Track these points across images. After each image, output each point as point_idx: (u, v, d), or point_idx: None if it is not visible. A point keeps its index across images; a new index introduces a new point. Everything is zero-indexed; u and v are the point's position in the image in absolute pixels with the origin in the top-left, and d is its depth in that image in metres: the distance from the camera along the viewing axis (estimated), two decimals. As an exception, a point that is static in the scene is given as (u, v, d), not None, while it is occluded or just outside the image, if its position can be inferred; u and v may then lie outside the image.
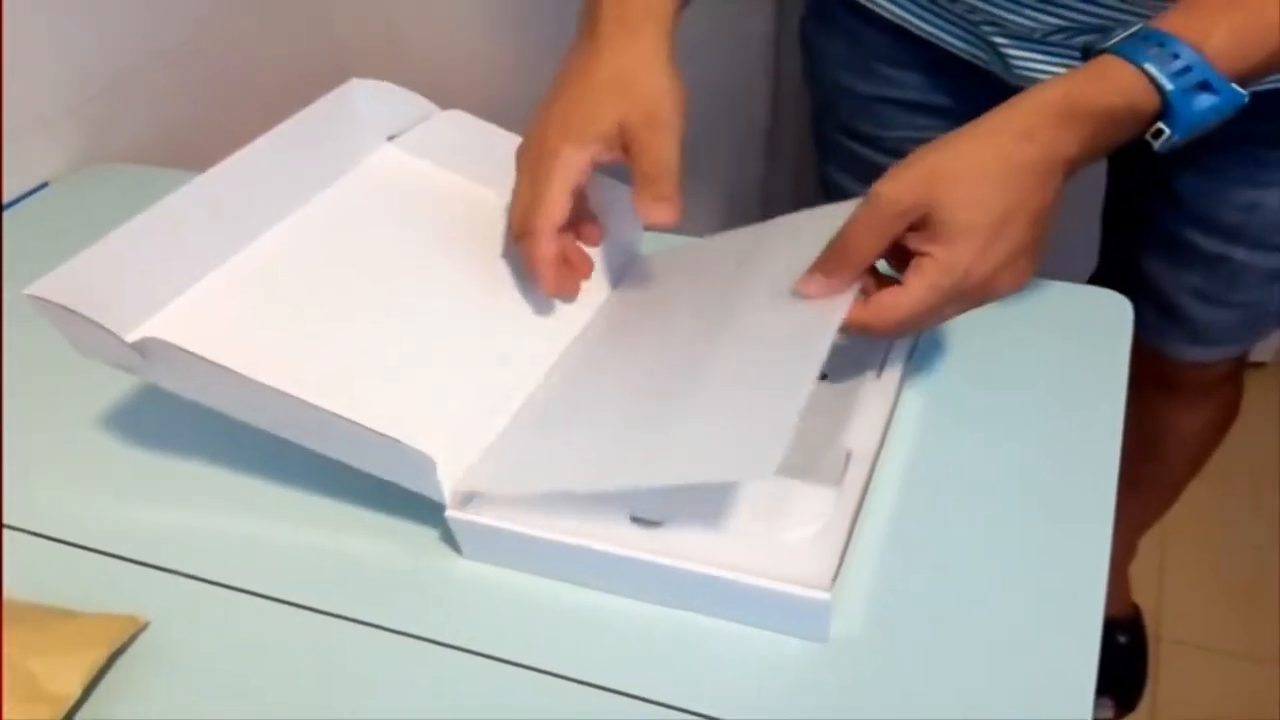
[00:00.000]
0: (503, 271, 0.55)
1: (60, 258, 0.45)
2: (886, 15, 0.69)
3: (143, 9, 0.81)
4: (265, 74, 0.89)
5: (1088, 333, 0.56)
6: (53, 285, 0.44)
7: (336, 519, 0.49)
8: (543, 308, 0.54)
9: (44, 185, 0.77)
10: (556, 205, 0.50)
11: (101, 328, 0.43)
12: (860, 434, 0.48)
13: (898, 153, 0.74)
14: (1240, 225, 0.67)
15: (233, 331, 0.47)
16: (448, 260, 0.55)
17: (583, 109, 0.50)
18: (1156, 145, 0.46)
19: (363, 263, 0.53)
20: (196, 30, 0.86)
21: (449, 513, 0.44)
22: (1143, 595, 1.19)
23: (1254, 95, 0.47)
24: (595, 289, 0.57)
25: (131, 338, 0.44)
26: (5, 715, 0.39)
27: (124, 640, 0.43)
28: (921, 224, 0.46)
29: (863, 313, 0.46)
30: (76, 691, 0.41)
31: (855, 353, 0.52)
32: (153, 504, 0.51)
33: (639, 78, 0.51)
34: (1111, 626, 1.14)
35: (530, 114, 0.53)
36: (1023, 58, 0.64)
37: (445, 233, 0.56)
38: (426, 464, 0.43)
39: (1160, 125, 0.45)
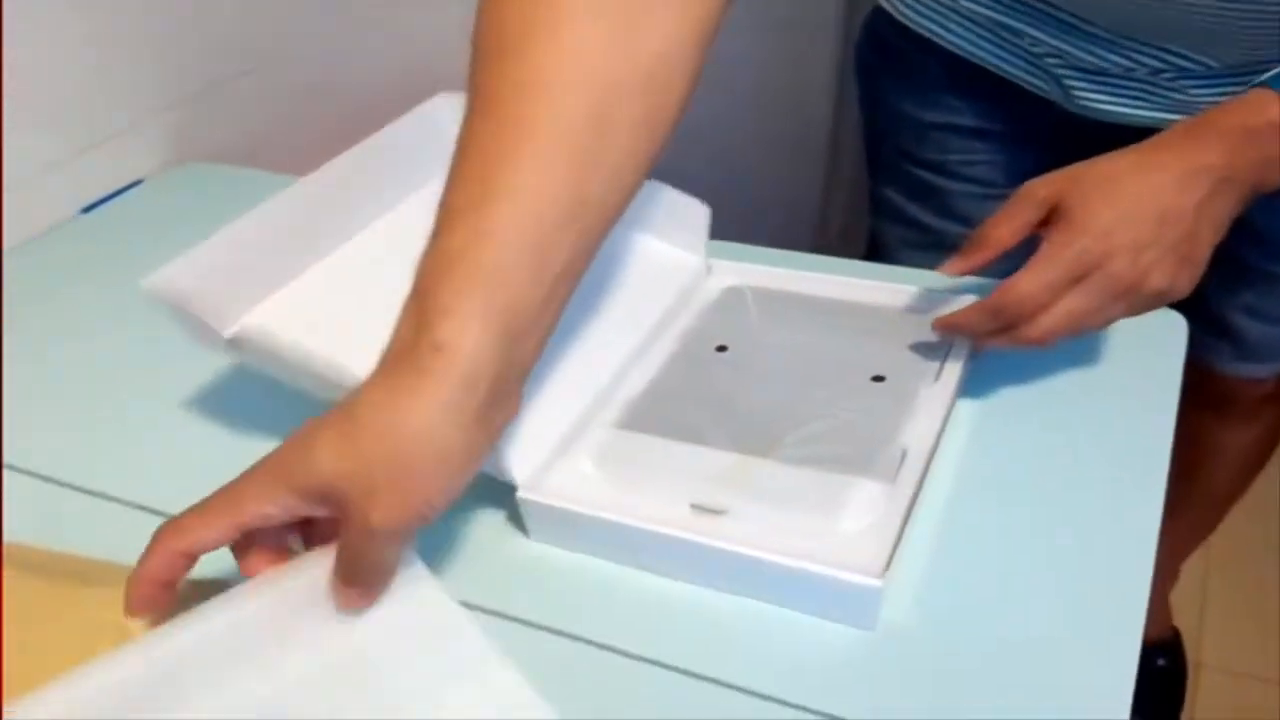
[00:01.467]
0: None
1: (150, 251, 0.48)
2: (946, 46, 0.70)
3: (237, 16, 0.85)
4: (350, 82, 0.92)
5: (1142, 348, 0.58)
6: (165, 279, 0.47)
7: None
8: (613, 307, 0.56)
9: (138, 182, 0.80)
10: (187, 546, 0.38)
11: (204, 323, 0.47)
12: (916, 434, 0.49)
13: (958, 176, 0.77)
14: None
15: (322, 324, 0.50)
16: None
17: (307, 444, 0.37)
18: None
19: None
20: (287, 39, 0.89)
21: (520, 494, 0.47)
22: (1184, 620, 1.18)
23: None
24: (659, 292, 0.59)
25: (232, 330, 0.48)
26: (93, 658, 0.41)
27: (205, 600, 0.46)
28: (1054, 217, 0.50)
29: (992, 297, 0.50)
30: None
31: (915, 357, 0.54)
32: (233, 472, 0.52)
33: (387, 433, 0.36)
34: (1151, 650, 1.14)
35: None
36: (1086, 89, 0.65)
37: None
38: (498, 448, 0.45)
39: None
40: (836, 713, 0.41)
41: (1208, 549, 1.28)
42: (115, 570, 0.46)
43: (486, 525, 0.49)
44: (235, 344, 0.48)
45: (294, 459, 0.38)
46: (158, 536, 0.39)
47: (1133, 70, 0.62)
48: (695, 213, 0.59)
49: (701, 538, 0.44)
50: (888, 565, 0.42)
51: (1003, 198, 0.75)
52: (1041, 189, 0.51)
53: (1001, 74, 0.69)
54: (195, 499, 0.50)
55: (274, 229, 0.51)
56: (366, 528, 0.36)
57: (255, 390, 0.58)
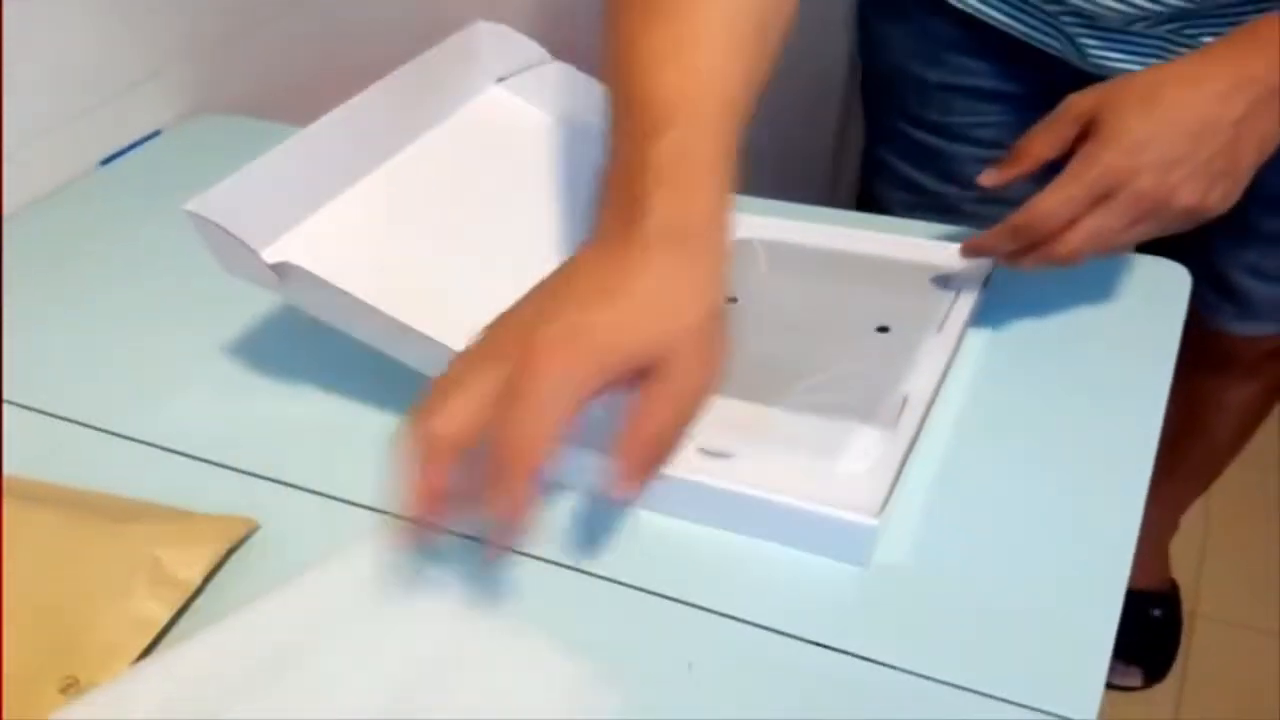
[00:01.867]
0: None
1: (169, 203, 0.49)
2: (958, 5, 0.69)
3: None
4: (373, 30, 0.91)
5: (1145, 298, 0.58)
6: (206, 204, 0.48)
7: None
8: None
9: (156, 133, 0.80)
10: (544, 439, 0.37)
11: (246, 247, 0.48)
12: (918, 382, 0.51)
13: (962, 138, 0.76)
14: None
15: (354, 256, 0.51)
16: (542, 200, 0.58)
17: (606, 326, 0.38)
18: None
19: (467, 196, 0.58)
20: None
21: None
22: (1182, 572, 1.20)
23: None
24: None
25: (269, 255, 0.49)
26: (137, 595, 0.43)
27: (240, 539, 0.47)
28: (1089, 130, 0.48)
29: (1016, 215, 0.49)
30: (198, 579, 0.45)
31: (920, 308, 0.56)
32: (262, 423, 0.55)
33: (677, 298, 0.39)
34: (1147, 599, 1.16)
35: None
36: (1100, 46, 0.64)
37: (542, 173, 0.59)
38: None
39: None
40: (829, 642, 0.42)
41: (1207, 501, 1.29)
42: (150, 509, 0.48)
43: None
44: (270, 275, 0.49)
45: (602, 344, 0.37)
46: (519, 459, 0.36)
47: (1147, 14, 0.61)
48: None
49: (707, 478, 0.46)
50: (883, 505, 0.44)
51: None
52: (1082, 101, 0.50)
53: (1013, 33, 0.68)
54: (215, 442, 0.53)
55: (312, 155, 0.52)
56: (694, 388, 0.38)
57: (276, 340, 0.60)
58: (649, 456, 0.38)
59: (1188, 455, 0.94)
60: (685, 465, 0.46)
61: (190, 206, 0.48)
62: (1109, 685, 1.11)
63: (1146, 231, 0.50)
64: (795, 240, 0.61)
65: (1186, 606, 1.19)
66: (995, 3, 0.68)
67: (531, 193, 0.59)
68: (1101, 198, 0.48)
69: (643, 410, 0.38)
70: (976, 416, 0.52)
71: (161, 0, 0.78)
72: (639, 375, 0.38)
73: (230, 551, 0.47)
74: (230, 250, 0.49)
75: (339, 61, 0.88)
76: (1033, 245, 0.51)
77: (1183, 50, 0.62)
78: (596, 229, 0.42)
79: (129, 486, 0.50)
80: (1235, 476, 1.30)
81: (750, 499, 0.45)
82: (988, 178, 0.53)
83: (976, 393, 0.53)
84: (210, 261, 0.51)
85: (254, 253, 0.48)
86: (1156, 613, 1.16)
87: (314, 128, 0.53)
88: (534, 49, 0.62)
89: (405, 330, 0.47)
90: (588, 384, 0.37)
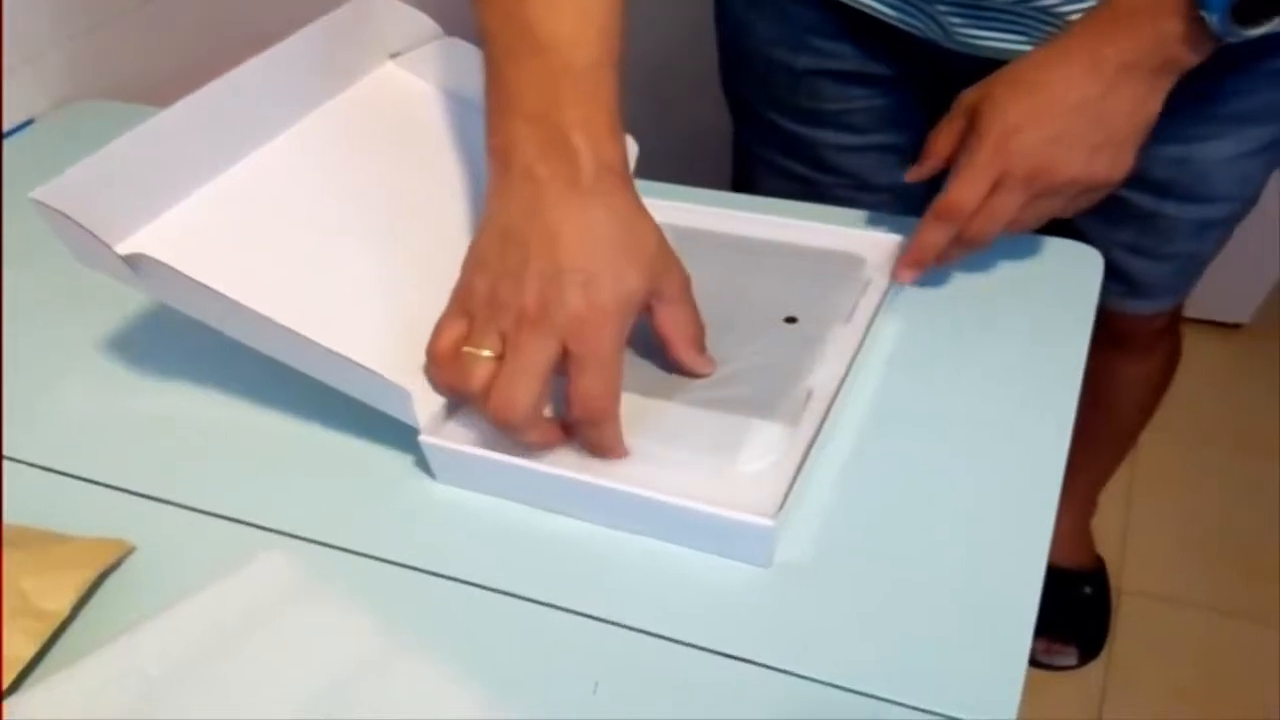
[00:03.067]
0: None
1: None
2: None
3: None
4: (252, 12, 0.87)
5: (1057, 282, 0.58)
6: (54, 192, 0.44)
7: (319, 447, 0.50)
8: None
9: (29, 122, 0.76)
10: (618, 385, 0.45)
11: (95, 237, 0.45)
12: (823, 375, 0.49)
13: (834, 124, 0.75)
14: (1170, 181, 0.69)
15: (223, 246, 0.48)
16: (437, 183, 0.56)
17: (614, 272, 0.44)
18: (1216, 29, 0.50)
19: (354, 181, 0.55)
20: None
21: (422, 438, 0.46)
22: (1107, 549, 1.22)
23: None
24: None
25: (124, 248, 0.46)
26: (-1, 629, 0.41)
27: (112, 563, 0.45)
28: (972, 122, 0.53)
29: (936, 204, 0.53)
30: (66, 609, 0.42)
31: (828, 298, 0.54)
32: (139, 432, 0.52)
33: (643, 232, 0.46)
34: (1077, 578, 1.17)
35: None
36: (965, 24, 0.64)
37: (437, 155, 0.57)
38: (401, 394, 0.45)
39: (1202, 14, 0.49)
40: (728, 650, 0.41)
41: (1131, 476, 1.32)
42: (12, 534, 0.45)
43: (398, 467, 0.49)
44: (123, 267, 0.46)
45: (634, 294, 0.45)
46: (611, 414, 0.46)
47: None
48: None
49: (597, 479, 0.44)
50: (782, 504, 0.43)
51: (878, 147, 0.76)
52: (966, 97, 0.54)
53: (876, 15, 0.67)
54: (86, 455, 0.50)
55: (173, 139, 0.49)
56: (687, 291, 0.48)
57: (151, 342, 0.57)
58: (700, 345, 0.49)
59: (1096, 434, 0.95)
60: (582, 466, 0.45)
61: (37, 194, 0.44)
62: (1046, 666, 1.13)
63: (1051, 207, 0.54)
64: (704, 227, 0.59)
65: (1113, 583, 1.21)
66: None
67: (426, 173, 0.56)
68: (996, 180, 0.52)
69: (670, 324, 0.48)
70: (888, 407, 0.51)
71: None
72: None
73: (103, 577, 0.45)
74: (82, 242, 0.46)
75: (224, 42, 0.85)
76: (956, 237, 0.54)
77: (1048, 26, 0.62)
78: (518, 176, 0.45)
79: (-4, 507, 0.47)
80: (1158, 451, 1.33)
81: (642, 500, 0.43)
82: (911, 174, 0.57)
83: (888, 382, 0.52)
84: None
85: (105, 245, 0.45)
86: (1087, 590, 1.18)
87: (180, 106, 0.49)
88: (425, 23, 0.59)
89: (266, 323, 0.44)
90: (627, 333, 0.45)
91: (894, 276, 0.55)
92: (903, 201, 0.63)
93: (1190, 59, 0.52)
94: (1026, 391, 0.51)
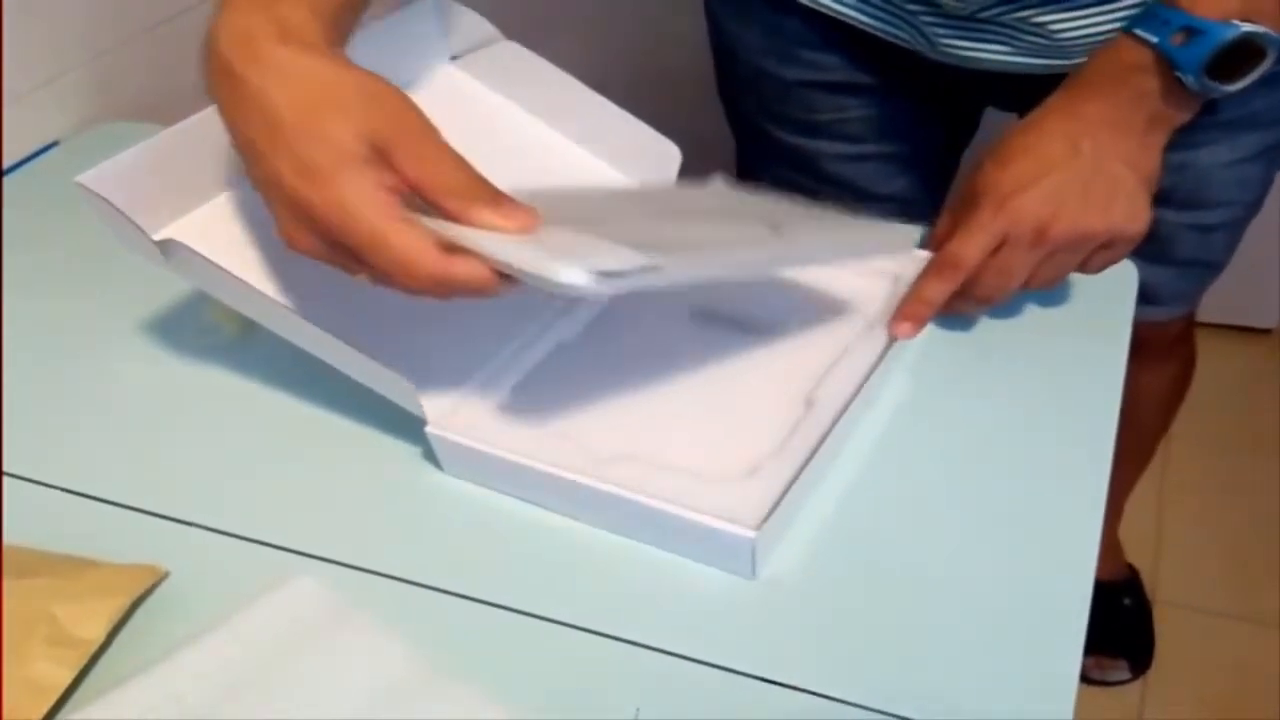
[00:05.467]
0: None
1: (69, 216, 0.46)
2: (804, 1, 0.68)
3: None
4: None
5: (1091, 296, 0.57)
6: (97, 178, 0.46)
7: (338, 459, 0.51)
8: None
9: (54, 144, 0.76)
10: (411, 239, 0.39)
11: (133, 223, 0.46)
12: (831, 383, 0.49)
13: (829, 134, 0.75)
14: (1170, 187, 0.67)
15: (255, 236, 0.49)
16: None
17: (310, 135, 0.40)
18: (1193, 87, 0.52)
19: None
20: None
21: (429, 429, 0.47)
22: (1140, 559, 1.20)
23: None
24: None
25: (162, 235, 0.47)
26: (33, 657, 0.40)
27: (145, 589, 0.44)
28: (974, 202, 0.53)
29: (938, 256, 0.53)
30: (101, 636, 0.42)
31: (850, 304, 0.54)
32: (164, 455, 0.52)
33: (338, 83, 0.41)
34: (1114, 590, 1.16)
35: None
36: (949, 35, 0.64)
37: (493, 157, 0.56)
38: (406, 386, 0.46)
39: (1178, 74, 0.51)
40: (709, 659, 0.41)
41: (1161, 486, 1.30)
42: (45, 560, 0.45)
43: (413, 462, 0.50)
44: (157, 254, 0.47)
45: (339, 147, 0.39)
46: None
47: (995, 5, 0.61)
48: (666, 153, 0.57)
49: (581, 478, 0.44)
50: (768, 515, 0.42)
51: (876, 156, 0.76)
52: (962, 187, 0.55)
53: (862, 27, 0.67)
54: (118, 481, 0.50)
55: (214, 138, 0.48)
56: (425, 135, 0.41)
57: (183, 364, 0.56)
58: (469, 194, 0.40)
59: (1117, 444, 0.95)
60: (585, 470, 0.45)
61: (82, 179, 0.46)
62: (1100, 682, 1.12)
63: (1068, 262, 0.53)
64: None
65: (1148, 594, 1.19)
66: None
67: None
68: (1001, 239, 0.52)
69: (415, 174, 0.40)
70: (907, 423, 0.50)
71: (53, 7, 0.75)
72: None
73: (136, 604, 0.44)
74: (120, 226, 0.47)
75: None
76: (969, 294, 0.53)
77: (1030, 36, 0.62)
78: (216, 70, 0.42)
79: (21, 533, 0.47)
80: (1188, 458, 1.31)
81: (628, 502, 0.44)
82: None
83: (909, 397, 0.52)
84: (113, 276, 0.49)
85: (140, 230, 0.46)
86: (1127, 601, 1.16)
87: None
88: (485, 26, 0.59)
89: (282, 309, 0.46)
90: (373, 179, 0.40)
91: (890, 330, 0.52)
92: (907, 211, 0.62)
93: (1177, 115, 0.53)
94: (1063, 406, 0.51)
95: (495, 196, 0.41)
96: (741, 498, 0.44)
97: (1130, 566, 1.19)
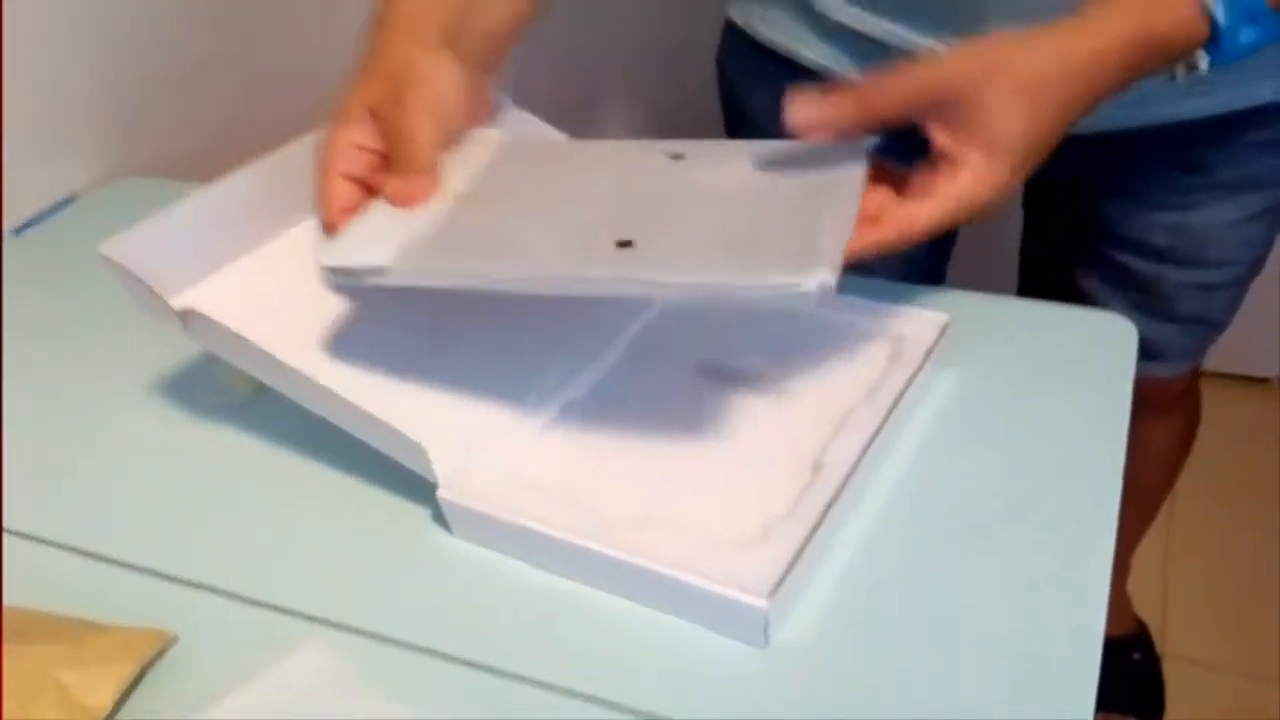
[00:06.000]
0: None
1: (85, 271, 0.47)
2: (813, 66, 0.68)
3: (167, 21, 0.82)
4: (291, 86, 0.89)
5: (1091, 356, 0.57)
6: (117, 247, 0.48)
7: (348, 521, 0.51)
8: (579, 309, 0.55)
9: (70, 200, 0.77)
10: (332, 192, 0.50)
11: (154, 292, 0.48)
12: (837, 447, 0.49)
13: None
14: (1168, 247, 0.69)
15: (270, 303, 0.50)
16: None
17: (347, 91, 0.51)
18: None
19: None
20: (222, 43, 0.86)
21: (440, 493, 0.47)
22: (1147, 612, 1.20)
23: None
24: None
25: (180, 302, 0.48)
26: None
27: (154, 654, 0.44)
28: (959, 120, 0.43)
29: (876, 234, 0.44)
30: (109, 705, 0.42)
31: (850, 370, 0.54)
32: (177, 510, 0.52)
33: (382, 57, 0.51)
34: (1123, 645, 1.15)
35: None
36: None
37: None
38: (419, 450, 0.46)
39: (1200, 54, 0.45)
40: None
41: (1167, 539, 1.30)
42: (50, 623, 0.45)
43: (416, 519, 0.50)
44: (182, 317, 0.48)
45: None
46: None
47: None
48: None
49: (589, 543, 0.44)
50: (779, 583, 0.42)
51: None
52: (960, 70, 0.44)
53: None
54: (123, 537, 0.50)
55: (234, 203, 0.51)
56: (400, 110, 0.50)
57: (193, 418, 0.57)
58: (410, 164, 0.50)
59: (1122, 498, 0.95)
60: (596, 536, 0.45)
61: (103, 249, 0.48)
62: None
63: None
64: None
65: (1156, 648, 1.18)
66: (852, 63, 0.67)
67: None
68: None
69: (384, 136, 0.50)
70: (913, 484, 0.50)
71: (70, 63, 0.76)
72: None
73: (145, 669, 0.44)
74: (142, 294, 0.48)
75: (258, 119, 0.86)
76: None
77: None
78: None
79: (24, 593, 0.46)
80: (1192, 509, 1.31)
81: (635, 568, 0.43)
82: (806, 109, 0.47)
83: (914, 459, 0.51)
84: (126, 333, 0.50)
85: (161, 299, 0.48)
86: (1136, 656, 1.15)
87: (239, 175, 0.52)
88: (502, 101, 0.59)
89: (297, 375, 0.47)
90: (355, 135, 0.51)
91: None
92: (910, 276, 0.62)
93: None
94: (1066, 466, 0.51)
95: (408, 171, 0.49)
96: (752, 564, 0.43)
97: (1139, 620, 1.18)
